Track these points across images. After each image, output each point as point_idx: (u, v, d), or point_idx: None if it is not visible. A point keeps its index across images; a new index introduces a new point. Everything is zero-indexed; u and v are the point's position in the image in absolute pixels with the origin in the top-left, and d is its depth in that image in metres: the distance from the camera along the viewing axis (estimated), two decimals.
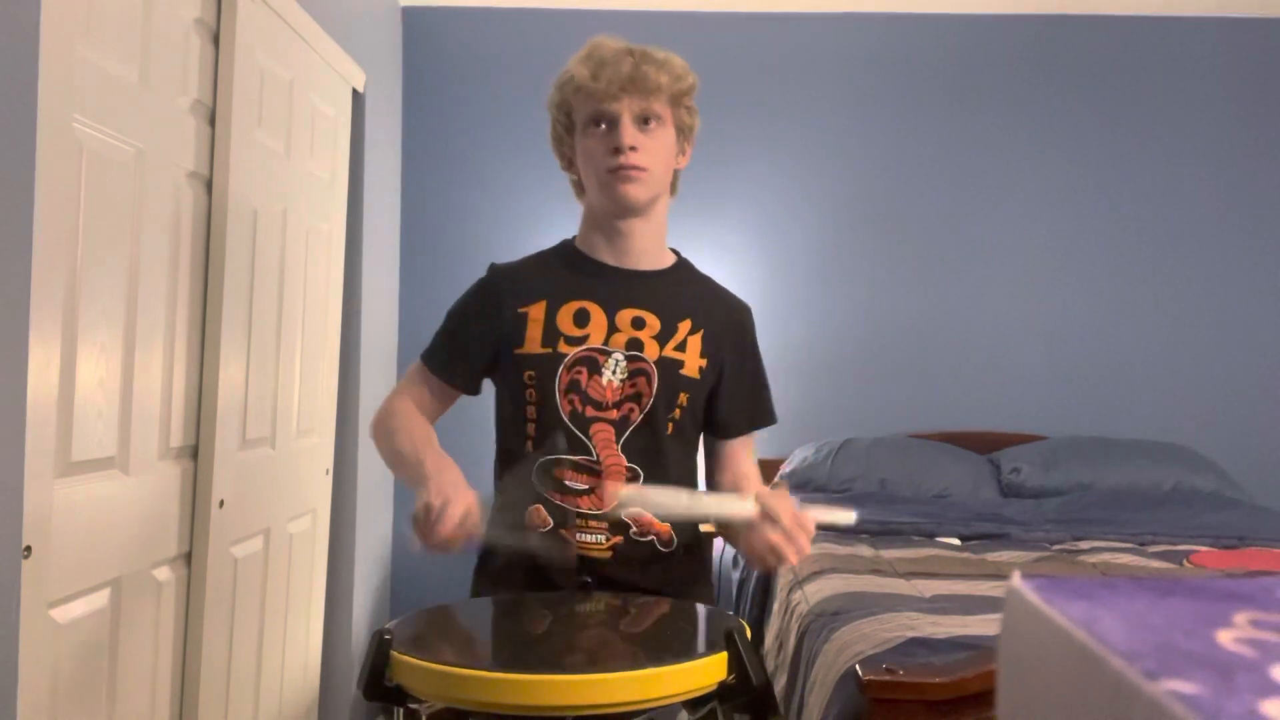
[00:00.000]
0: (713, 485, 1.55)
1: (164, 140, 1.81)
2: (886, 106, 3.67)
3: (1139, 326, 3.62)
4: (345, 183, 2.86)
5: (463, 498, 1.20)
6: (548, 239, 1.57)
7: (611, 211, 1.44)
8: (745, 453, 1.54)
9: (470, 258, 1.56)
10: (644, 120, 1.39)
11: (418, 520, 1.20)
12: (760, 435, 1.57)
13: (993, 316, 3.63)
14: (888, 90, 3.67)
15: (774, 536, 1.20)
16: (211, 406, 1.99)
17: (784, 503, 1.22)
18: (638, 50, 1.40)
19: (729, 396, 1.49)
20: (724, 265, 3.49)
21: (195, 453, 1.98)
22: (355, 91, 2.96)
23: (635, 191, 1.40)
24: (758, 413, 1.54)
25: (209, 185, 2.01)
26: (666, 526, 1.42)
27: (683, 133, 1.46)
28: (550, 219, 3.33)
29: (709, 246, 3.56)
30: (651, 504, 1.31)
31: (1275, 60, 3.64)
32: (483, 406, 1.60)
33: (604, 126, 1.39)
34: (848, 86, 3.67)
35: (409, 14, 3.65)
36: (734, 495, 1.31)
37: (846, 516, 1.27)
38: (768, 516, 1.21)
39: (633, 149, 1.37)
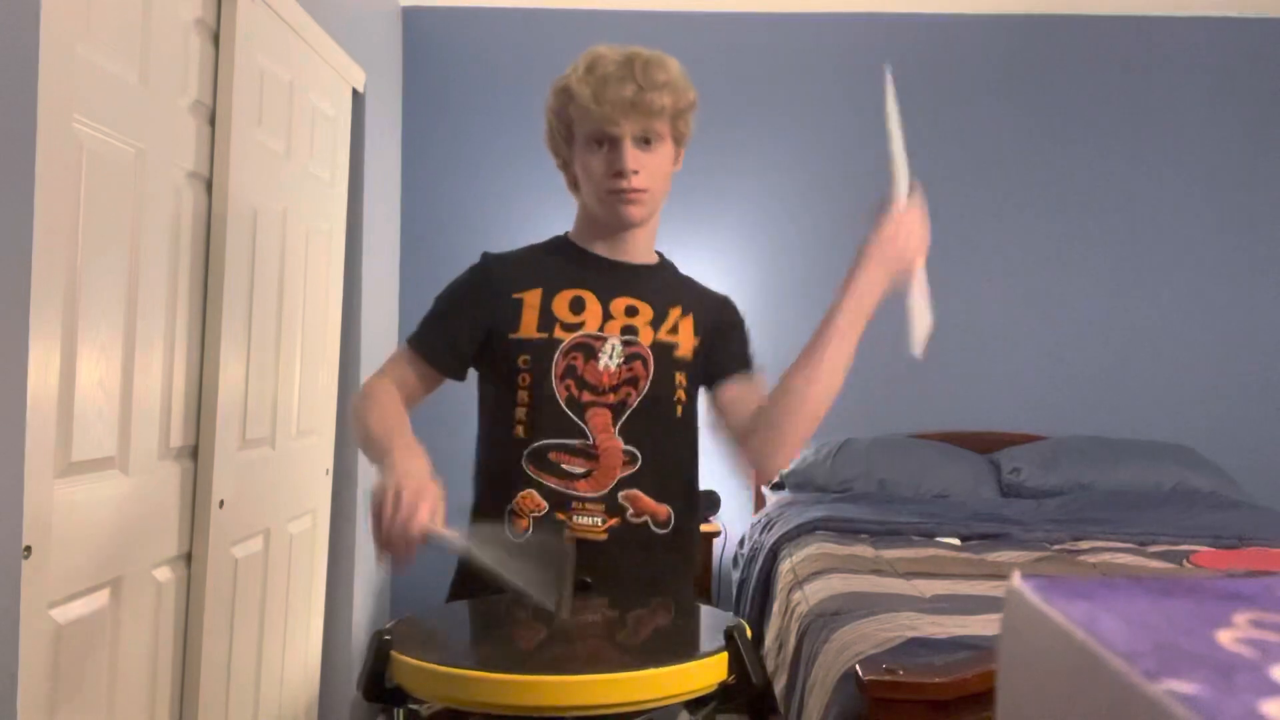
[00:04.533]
0: (739, 433, 1.47)
1: (164, 140, 1.81)
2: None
3: (1139, 327, 3.62)
4: (345, 183, 2.86)
5: (429, 492, 1.18)
6: (548, 238, 1.57)
7: (610, 225, 1.47)
8: (758, 391, 1.50)
9: (470, 257, 1.56)
10: (644, 140, 1.40)
11: (376, 501, 1.17)
12: None
13: (993, 317, 3.63)
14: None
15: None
16: (211, 406, 1.99)
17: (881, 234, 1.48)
18: (638, 65, 1.38)
19: (718, 348, 1.50)
20: (723, 265, 3.50)
21: (195, 453, 1.98)
22: (355, 91, 2.96)
23: (636, 213, 1.43)
24: (747, 355, 1.54)
25: (209, 185, 2.01)
26: (664, 508, 1.43)
27: (679, 143, 1.48)
28: (551, 218, 3.33)
29: (708, 246, 3.56)
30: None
31: (1275, 61, 3.64)
32: (457, 398, 1.59)
33: (605, 147, 1.40)
34: (847, 87, 3.67)
35: (409, 14, 3.65)
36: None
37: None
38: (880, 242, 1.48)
39: (635, 172, 1.39)
